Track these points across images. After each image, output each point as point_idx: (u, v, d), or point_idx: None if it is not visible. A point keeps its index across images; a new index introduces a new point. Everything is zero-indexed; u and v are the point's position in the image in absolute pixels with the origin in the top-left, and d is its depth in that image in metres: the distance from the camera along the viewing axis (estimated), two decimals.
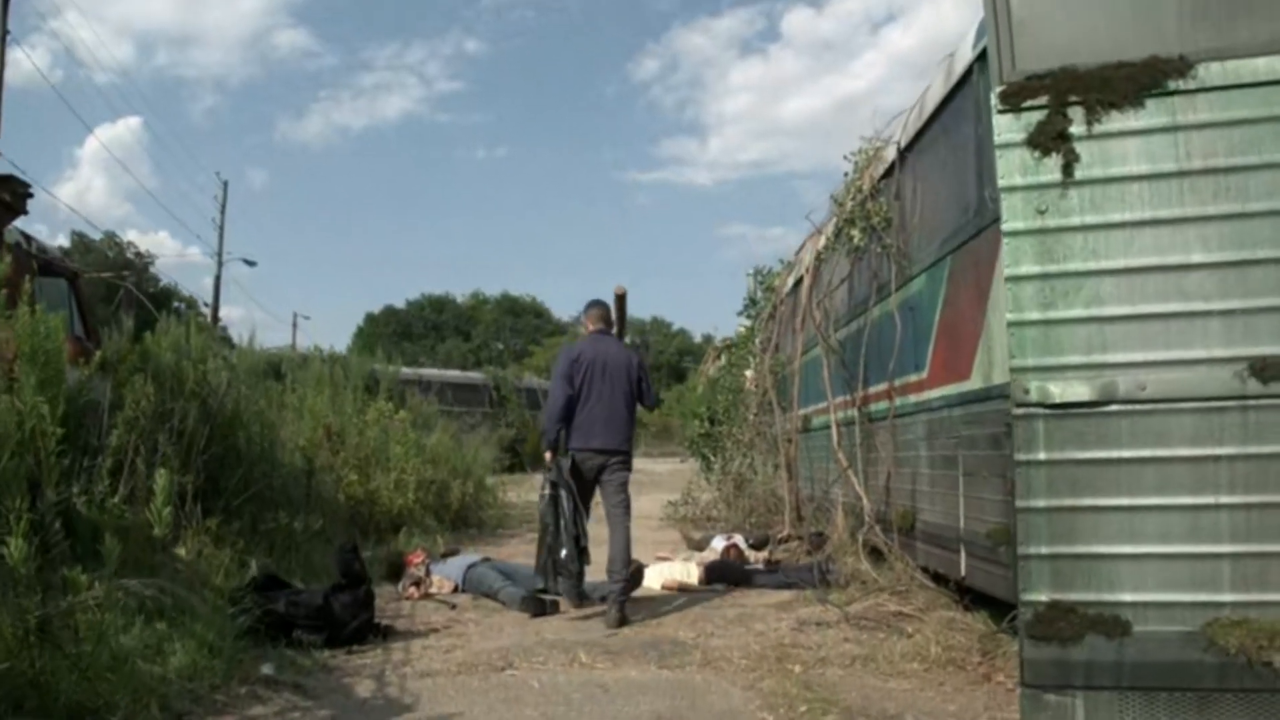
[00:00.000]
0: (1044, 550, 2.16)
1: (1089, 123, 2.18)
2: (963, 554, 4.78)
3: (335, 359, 19.77)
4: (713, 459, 11.75)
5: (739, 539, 8.10)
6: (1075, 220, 2.18)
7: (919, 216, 5.65)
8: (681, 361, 60.32)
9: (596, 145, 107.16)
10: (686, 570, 6.61)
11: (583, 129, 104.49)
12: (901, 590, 5.46)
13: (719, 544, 8.03)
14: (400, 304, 63.43)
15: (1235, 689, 2.02)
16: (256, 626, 4.13)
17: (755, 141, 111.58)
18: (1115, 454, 2.13)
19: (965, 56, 4.70)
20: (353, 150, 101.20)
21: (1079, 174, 2.18)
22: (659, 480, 21.26)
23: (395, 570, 6.63)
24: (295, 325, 38.05)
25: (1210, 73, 2.12)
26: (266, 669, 3.81)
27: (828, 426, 7.70)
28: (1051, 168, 2.20)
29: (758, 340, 11.08)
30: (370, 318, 63.24)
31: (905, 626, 4.70)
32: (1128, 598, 2.11)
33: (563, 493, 5.21)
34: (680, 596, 6.13)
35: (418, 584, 6.12)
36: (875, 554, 6.10)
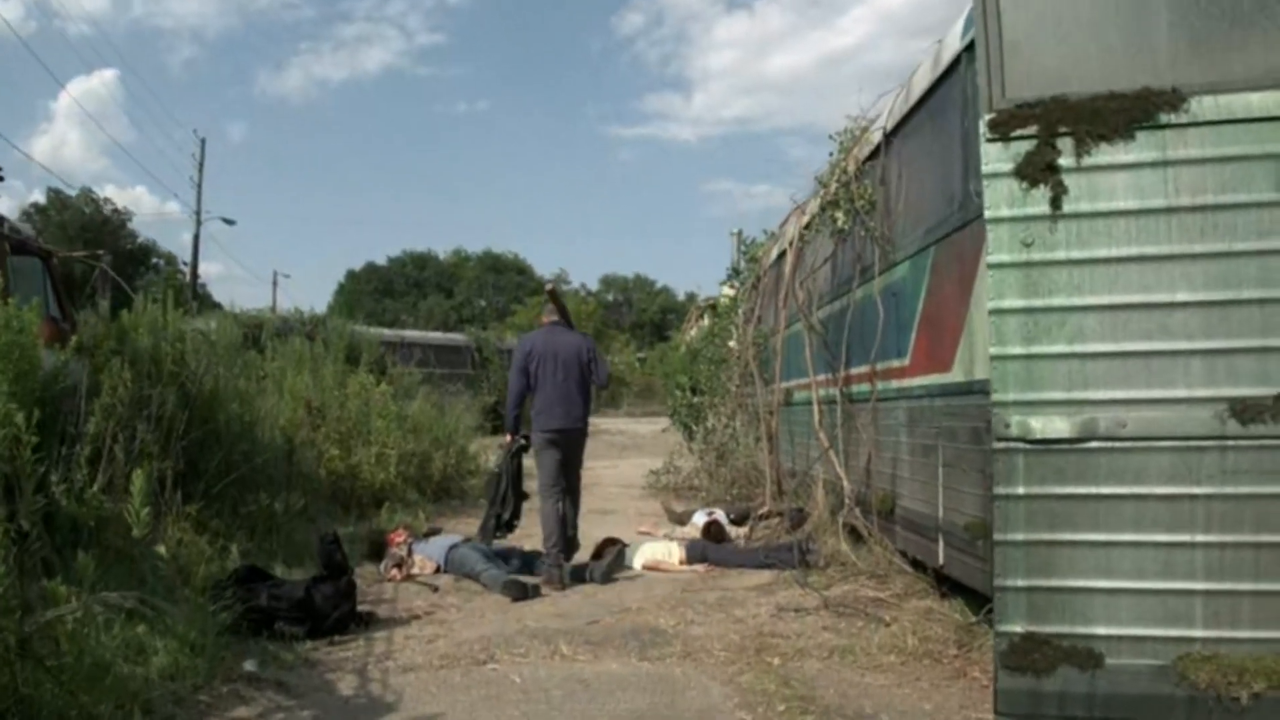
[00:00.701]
0: (1020, 583, 2.19)
1: (1078, 155, 2.15)
2: (941, 543, 4.84)
3: (315, 320, 19.69)
4: (695, 428, 11.78)
5: (720, 514, 8.17)
6: (1061, 255, 2.16)
7: (903, 203, 5.62)
8: (664, 320, 60.32)
9: (580, 100, 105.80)
10: (668, 550, 6.66)
11: (566, 83, 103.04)
12: (880, 575, 5.54)
13: (700, 519, 8.11)
14: (382, 261, 63.03)
15: (1202, 717, 2.06)
16: (238, 621, 4.14)
17: (740, 97, 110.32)
18: (1094, 490, 2.15)
19: (953, 46, 4.63)
20: (333, 104, 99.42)
21: (1067, 207, 2.16)
22: (641, 443, 21.38)
23: (377, 549, 6.65)
24: (275, 284, 37.65)
25: (1203, 107, 2.09)
26: (249, 665, 3.82)
27: (809, 403, 7.73)
28: (1039, 200, 2.18)
29: (741, 311, 11.08)
30: (351, 275, 62.69)
31: (883, 615, 4.77)
32: (1101, 631, 2.14)
33: (504, 475, 6.13)
34: (662, 577, 6.18)
35: (400, 565, 6.14)
36: (855, 534, 6.17)
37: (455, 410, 12.82)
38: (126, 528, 4.63)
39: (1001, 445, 2.19)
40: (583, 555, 6.97)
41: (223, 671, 3.70)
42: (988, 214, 2.22)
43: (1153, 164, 2.12)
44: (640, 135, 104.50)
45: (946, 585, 4.97)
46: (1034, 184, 2.18)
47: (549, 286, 6.62)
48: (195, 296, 26.36)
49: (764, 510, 8.02)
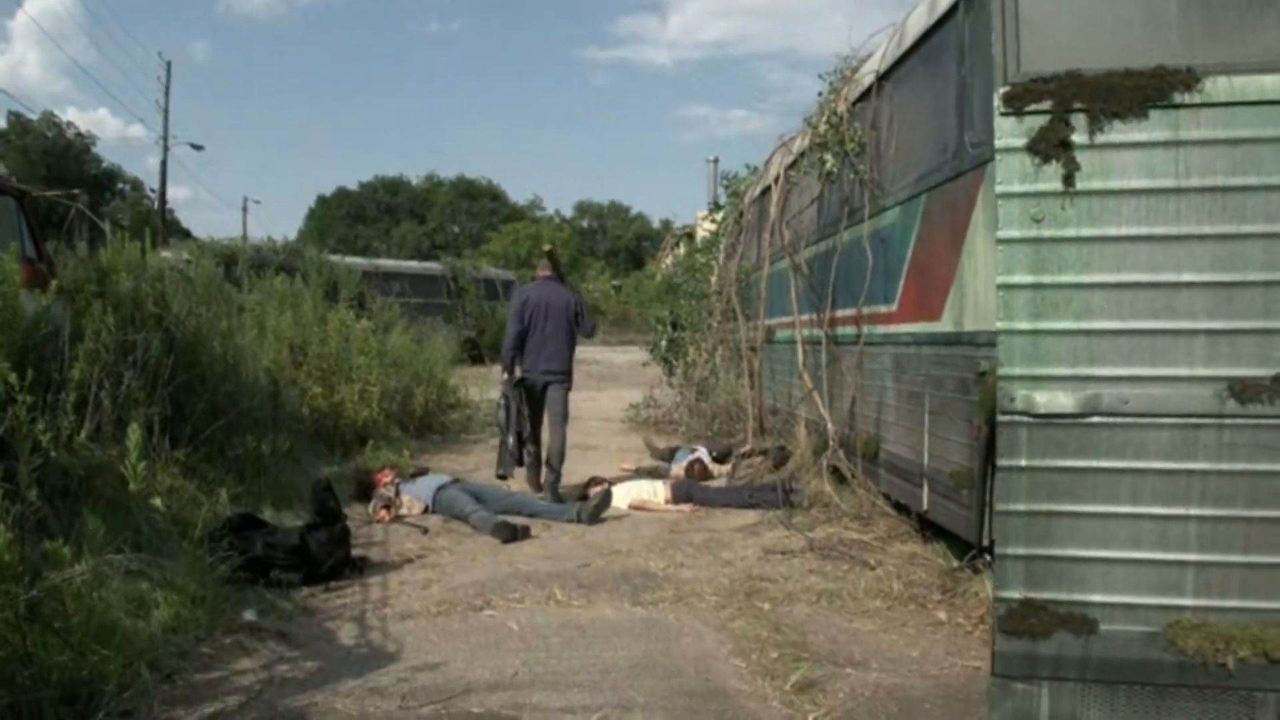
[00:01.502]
0: (1020, 551, 2.26)
1: (1092, 132, 2.15)
2: (925, 488, 4.95)
3: (290, 249, 19.35)
4: (675, 363, 11.84)
5: (703, 452, 8.28)
6: (1071, 232, 2.17)
7: (895, 148, 5.57)
8: (639, 247, 59.92)
9: (553, 21, 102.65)
10: (653, 489, 6.76)
11: (539, 3, 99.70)
12: (864, 517, 5.68)
13: (684, 457, 8.22)
14: (353, 186, 61.66)
15: (1191, 686, 2.17)
16: (235, 570, 4.17)
17: (717, 20, 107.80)
18: (1094, 464, 2.20)
19: None
20: (301, 22, 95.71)
21: (1079, 184, 2.16)
22: (618, 374, 21.48)
23: (364, 489, 6.69)
24: (245, 210, 36.82)
25: (1216, 87, 2.08)
26: (249, 615, 3.88)
27: (792, 341, 7.78)
28: (1051, 176, 2.18)
29: (722, 246, 11.03)
30: (322, 200, 61.38)
31: (868, 558, 4.91)
32: (1096, 598, 2.22)
33: (510, 402, 6.71)
34: (649, 518, 6.30)
35: (388, 506, 6.19)
36: (837, 474, 6.28)
37: (434, 344, 12.78)
38: (118, 476, 4.63)
39: (1006, 419, 2.23)
40: (566, 492, 7.09)
41: (223, 622, 3.75)
42: (999, 189, 2.22)
43: (1164, 144, 2.12)
44: (615, 58, 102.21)
45: (929, 529, 5.11)
46: (1046, 160, 2.18)
47: (548, 249, 7.48)
48: (164, 223, 25.73)
49: (746, 448, 8.14)
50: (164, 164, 27.23)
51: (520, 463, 6.79)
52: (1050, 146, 2.17)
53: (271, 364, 7.07)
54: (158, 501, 3.91)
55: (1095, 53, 2.17)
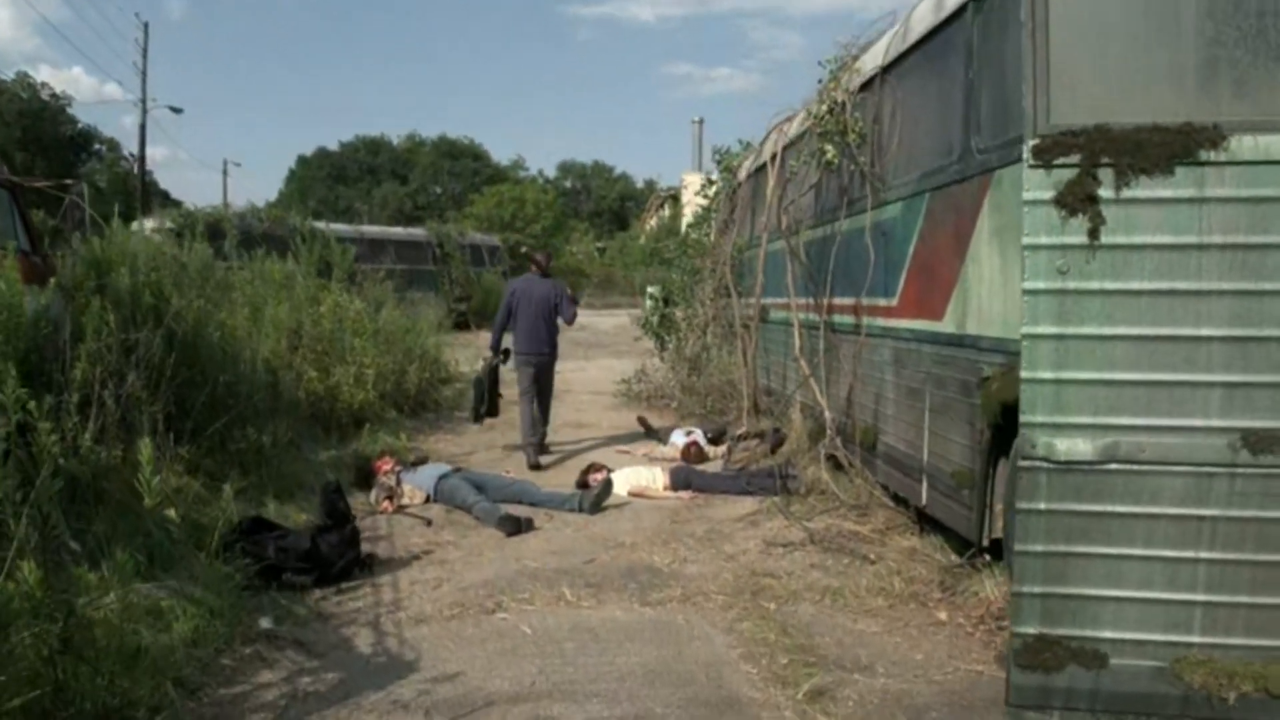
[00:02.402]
0: (1037, 590, 2.34)
1: (1118, 187, 2.19)
2: (924, 484, 5.05)
3: (274, 216, 19.12)
4: (667, 339, 11.88)
5: (698, 434, 8.37)
6: (1095, 285, 2.23)
7: (898, 143, 5.58)
8: (623, 207, 59.53)
9: None
10: (652, 476, 6.84)
11: None
12: (861, 507, 5.78)
13: (679, 439, 8.30)
14: (333, 146, 60.57)
15: (1193, 718, 2.27)
16: (248, 575, 4.22)
17: None
18: (1109, 508, 2.28)
19: None
20: None
21: (1103, 238, 2.21)
22: (604, 340, 21.51)
23: (364, 476, 6.73)
24: (225, 172, 36.16)
25: (1241, 146, 2.13)
26: (265, 623, 3.93)
27: (788, 323, 7.83)
28: (1077, 229, 2.22)
29: (715, 222, 11.01)
30: (302, 160, 60.32)
31: (868, 553, 5.01)
32: (1107, 634, 2.32)
33: (484, 382, 8.22)
34: (649, 506, 6.38)
35: (391, 497, 6.24)
36: (834, 461, 6.38)
37: (424, 317, 12.76)
38: (126, 481, 4.65)
39: (1026, 464, 2.30)
40: (565, 475, 7.19)
41: (240, 632, 3.80)
42: (1025, 240, 2.26)
43: (1189, 200, 2.16)
44: (599, 14, 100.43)
45: (927, 522, 5.22)
46: (1073, 213, 2.22)
47: (542, 257, 8.64)
48: (143, 188, 25.27)
49: (741, 431, 8.22)
50: (143, 128, 26.68)
51: (478, 420, 8.51)
52: (1077, 200, 2.21)
53: (270, 354, 7.05)
54: (172, 513, 3.94)
55: (1124, 107, 2.20)
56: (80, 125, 35.51)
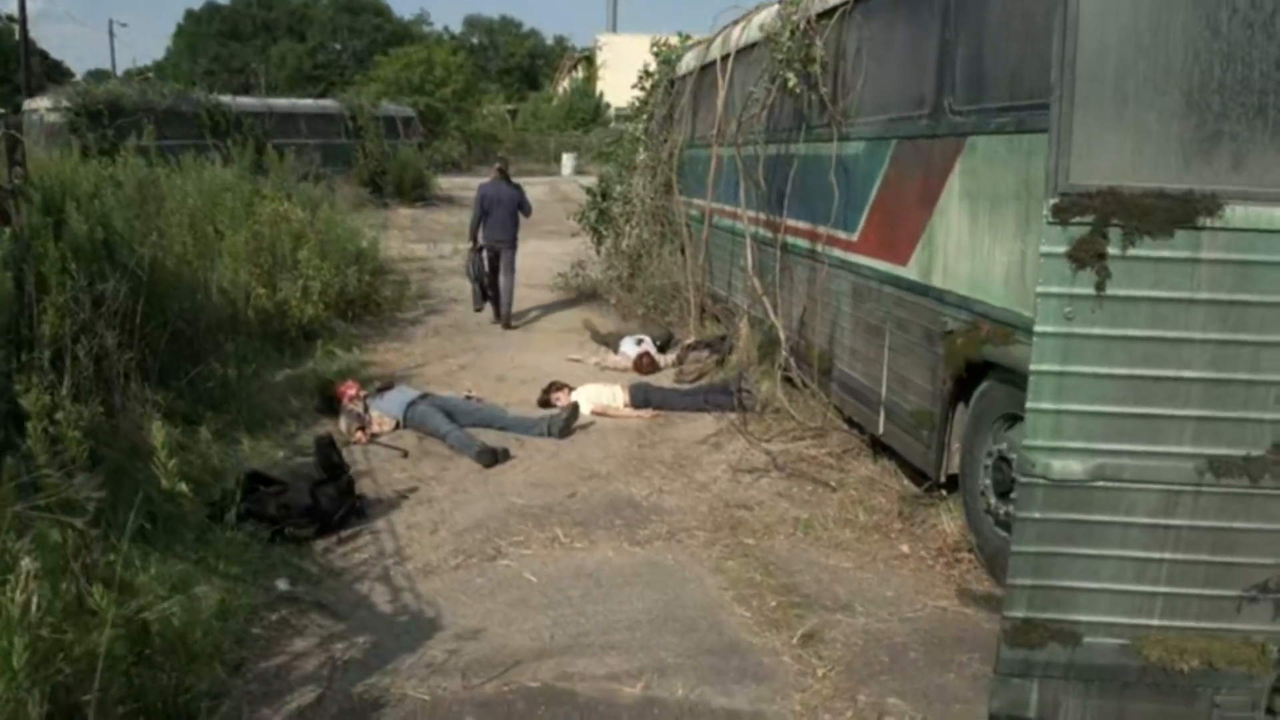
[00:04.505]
0: (1027, 582, 2.73)
1: (1124, 246, 2.43)
2: (882, 416, 5.44)
3: (176, 92, 17.82)
4: (604, 233, 11.90)
5: (648, 343, 8.63)
6: (1097, 330, 2.50)
7: (864, 81, 5.65)
8: (533, 66, 57.09)
9: None
10: (613, 394, 7.09)
11: None
12: (816, 428, 6.20)
13: (629, 349, 8.54)
14: (224, 0, 55.37)
15: (1148, 684, 2.75)
16: (250, 534, 4.37)
17: None
18: (1091, 517, 2.65)
19: None
20: None
21: (1108, 290, 2.46)
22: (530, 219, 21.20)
23: (327, 400, 6.80)
24: (112, 34, 32.94)
25: (1235, 215, 2.38)
26: (282, 585, 4.11)
27: (736, 232, 8.00)
28: (1085, 281, 2.47)
29: (654, 118, 10.85)
30: (191, 16, 55.21)
31: (829, 478, 5.45)
32: (1082, 618, 2.74)
33: (474, 262, 10.20)
34: (613, 426, 6.67)
35: (363, 426, 6.35)
36: (787, 378, 6.73)
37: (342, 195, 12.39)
38: (115, 439, 4.67)
39: (1025, 480, 2.63)
40: (525, 391, 7.40)
41: (261, 595, 3.99)
42: (1039, 288, 2.50)
43: (1184, 260, 2.43)
44: None
45: (881, 447, 5.66)
46: (1082, 266, 2.46)
47: (499, 166, 10.65)
48: (26, 57, 22.90)
49: (690, 341, 8.51)
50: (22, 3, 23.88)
51: (485, 298, 10.30)
52: (1088, 255, 2.44)
53: (230, 284, 6.87)
54: (184, 486, 4.00)
55: (1134, 171, 2.42)
56: None
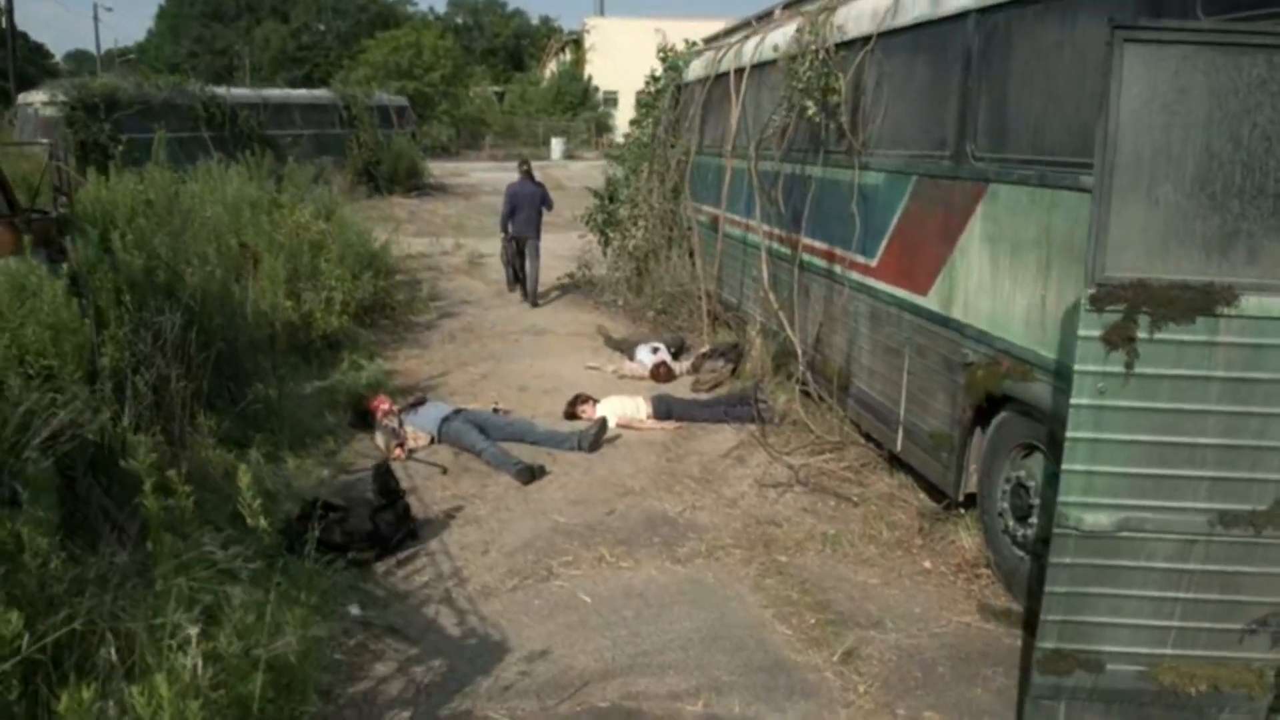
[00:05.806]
0: (1058, 618, 3.08)
1: (1151, 331, 2.76)
2: (900, 434, 5.78)
3: (172, 85, 17.80)
4: (611, 235, 12.15)
5: (663, 351, 8.92)
6: (1125, 403, 2.83)
7: (884, 115, 5.91)
8: (519, 47, 56.80)
9: None
10: (636, 406, 7.39)
11: None
12: (834, 441, 6.54)
13: (645, 358, 8.82)
14: None
15: (1163, 704, 3.11)
16: (319, 561, 4.65)
17: None
18: (1115, 562, 3.01)
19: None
20: None
21: (1135, 369, 2.80)
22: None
23: (360, 415, 7.06)
24: (97, 19, 32.58)
25: (1249, 304, 2.72)
26: (353, 610, 4.42)
27: (748, 243, 8.28)
28: (1116, 361, 2.80)
29: (661, 123, 11.07)
30: None
31: (850, 493, 5.80)
32: (1106, 648, 3.11)
33: (507, 250, 12.33)
34: (639, 439, 6.97)
35: (401, 443, 6.62)
36: (804, 390, 7.05)
37: (358, 209, 12.60)
38: (198, 468, 4.94)
39: (1060, 531, 2.98)
40: (549, 402, 7.69)
41: (336, 621, 4.29)
42: (1076, 367, 2.83)
43: (1204, 343, 2.76)
44: None
45: (897, 461, 6.00)
46: (1114, 348, 2.79)
47: (524, 169, 12.31)
48: (13, 43, 22.70)
49: (705, 349, 8.82)
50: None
51: (516, 280, 12.34)
52: (1119, 339, 2.77)
53: (269, 308, 7.10)
54: (264, 522, 4.28)
55: (1160, 264, 2.74)
56: None
